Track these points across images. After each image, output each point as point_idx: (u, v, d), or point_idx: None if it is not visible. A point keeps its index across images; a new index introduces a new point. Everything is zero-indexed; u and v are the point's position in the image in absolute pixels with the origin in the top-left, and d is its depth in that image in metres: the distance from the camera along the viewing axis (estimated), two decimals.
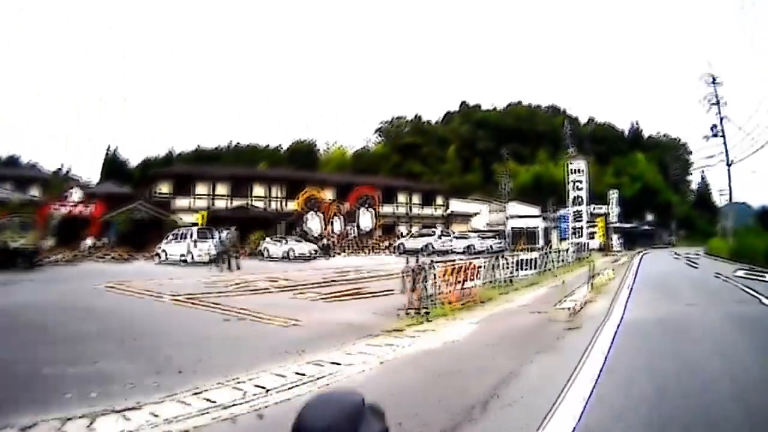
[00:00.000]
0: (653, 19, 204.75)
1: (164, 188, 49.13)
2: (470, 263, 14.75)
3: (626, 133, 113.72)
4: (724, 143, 46.91)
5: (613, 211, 70.09)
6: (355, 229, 50.33)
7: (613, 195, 72.74)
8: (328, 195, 52.07)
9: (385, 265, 28.59)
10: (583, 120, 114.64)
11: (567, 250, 30.22)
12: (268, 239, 41.28)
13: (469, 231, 57.03)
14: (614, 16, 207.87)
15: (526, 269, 20.18)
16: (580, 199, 38.66)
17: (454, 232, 53.32)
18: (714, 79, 47.71)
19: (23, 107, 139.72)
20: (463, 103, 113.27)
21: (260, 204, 51.46)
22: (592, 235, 59.75)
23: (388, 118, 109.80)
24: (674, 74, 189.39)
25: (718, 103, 47.10)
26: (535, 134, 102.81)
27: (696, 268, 29.62)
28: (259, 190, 51.87)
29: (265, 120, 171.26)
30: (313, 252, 38.66)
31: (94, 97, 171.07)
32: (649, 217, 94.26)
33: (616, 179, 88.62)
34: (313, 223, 48.69)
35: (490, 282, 17.01)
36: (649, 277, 22.82)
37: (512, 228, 65.26)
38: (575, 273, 22.98)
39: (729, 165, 47.01)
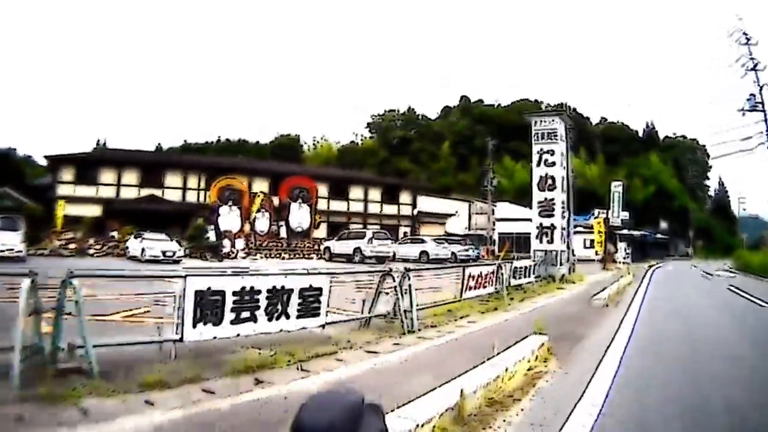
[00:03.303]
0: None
1: (67, 176, 37.72)
2: None
3: (640, 133, 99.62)
4: (766, 119, 33.14)
5: (616, 211, 53.11)
6: (285, 227, 38.03)
7: (617, 189, 55.42)
8: (261, 187, 39.99)
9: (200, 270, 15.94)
10: (595, 120, 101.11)
11: (505, 266, 15.19)
12: (133, 235, 29.98)
13: (442, 235, 44.70)
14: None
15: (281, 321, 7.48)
16: (551, 181, 23.03)
17: (418, 235, 41.16)
18: (748, 37, 34.18)
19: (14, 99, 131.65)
20: (463, 97, 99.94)
21: (175, 195, 39.55)
22: (591, 244, 47.12)
23: (380, 111, 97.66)
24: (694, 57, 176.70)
25: (755, 67, 33.49)
26: None
27: None
28: (174, 179, 39.91)
29: (255, 114, 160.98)
30: (170, 253, 26.85)
31: (87, 90, 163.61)
32: (663, 225, 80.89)
33: (627, 181, 74.75)
34: (229, 218, 36.47)
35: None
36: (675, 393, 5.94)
37: (500, 233, 52.68)
38: (478, 331, 9.69)
39: None
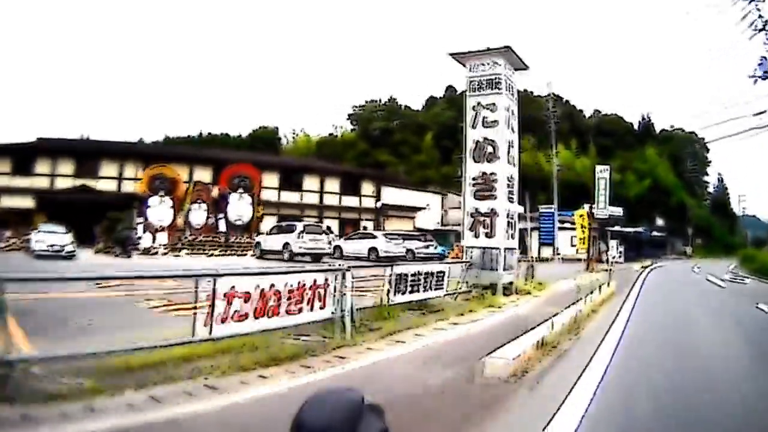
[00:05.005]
0: None
1: (3, 167, 34.98)
2: None
3: (636, 125, 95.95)
4: None
5: (603, 202, 46.00)
6: (224, 220, 34.43)
7: (603, 175, 47.37)
8: (205, 176, 36.60)
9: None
10: (588, 113, 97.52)
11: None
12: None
13: (410, 230, 41.21)
14: None
15: None
16: (490, 148, 15.06)
17: (371, 231, 37.56)
18: None
19: None
20: (449, 87, 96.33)
21: (111, 186, 36.34)
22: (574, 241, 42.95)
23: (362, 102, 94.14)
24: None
25: (765, 26, 28.66)
26: (531, 121, 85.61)
27: None
28: (109, 168, 36.67)
29: (238, 108, 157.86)
30: (57, 247, 23.48)
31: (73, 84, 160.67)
32: (660, 222, 77.26)
33: (620, 176, 70.17)
34: (160, 210, 33.06)
35: None
36: None
37: None
38: None
39: None
